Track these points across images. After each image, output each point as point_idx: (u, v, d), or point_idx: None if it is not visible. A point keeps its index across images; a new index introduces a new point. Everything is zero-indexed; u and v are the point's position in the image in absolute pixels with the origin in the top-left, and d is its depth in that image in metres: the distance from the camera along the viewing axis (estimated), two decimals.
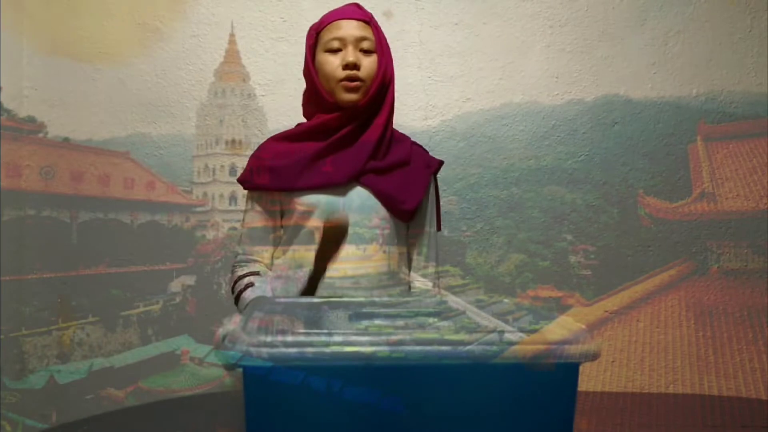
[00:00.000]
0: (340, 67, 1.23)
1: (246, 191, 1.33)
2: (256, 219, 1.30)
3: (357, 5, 1.31)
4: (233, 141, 2.14)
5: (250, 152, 1.34)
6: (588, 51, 2.14)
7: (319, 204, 1.23)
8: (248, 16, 2.12)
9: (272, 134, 1.33)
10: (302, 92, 1.34)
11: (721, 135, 2.14)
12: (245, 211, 1.32)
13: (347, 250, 1.23)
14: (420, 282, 1.36)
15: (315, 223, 1.23)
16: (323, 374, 0.72)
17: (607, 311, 2.12)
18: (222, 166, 2.15)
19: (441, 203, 1.45)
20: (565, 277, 2.15)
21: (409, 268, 1.37)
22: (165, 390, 2.11)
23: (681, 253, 2.13)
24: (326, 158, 1.23)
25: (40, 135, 2.08)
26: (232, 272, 1.31)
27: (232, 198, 2.15)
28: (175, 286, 2.13)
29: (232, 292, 1.28)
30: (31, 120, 2.07)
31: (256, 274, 1.27)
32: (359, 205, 1.25)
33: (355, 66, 1.22)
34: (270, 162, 1.25)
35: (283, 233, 1.29)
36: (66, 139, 2.10)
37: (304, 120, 1.35)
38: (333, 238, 1.17)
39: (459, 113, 2.14)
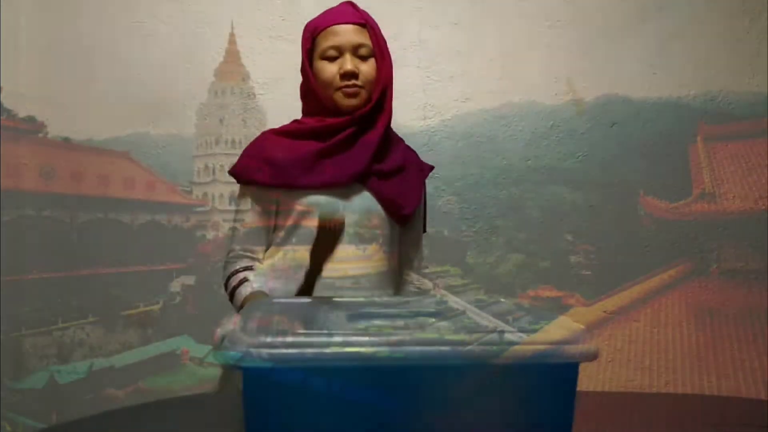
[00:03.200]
0: (338, 76, 1.22)
1: (239, 186, 1.30)
2: (252, 215, 1.28)
3: (352, 5, 1.29)
4: (233, 141, 2.14)
5: None
6: (587, 51, 2.14)
7: (320, 204, 1.23)
8: (247, 15, 2.12)
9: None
10: (299, 87, 1.33)
11: (721, 135, 2.14)
12: (239, 206, 1.30)
13: (347, 250, 1.23)
14: (420, 281, 1.37)
15: (314, 222, 1.22)
16: (323, 375, 0.71)
17: (605, 311, 2.12)
18: (222, 166, 2.15)
19: (440, 203, 1.45)
20: (565, 277, 2.15)
21: (408, 268, 1.37)
22: (165, 390, 2.11)
23: (681, 253, 2.13)
24: (328, 159, 1.23)
25: (40, 135, 2.08)
26: (225, 268, 1.29)
27: (232, 198, 2.15)
28: (175, 286, 2.13)
29: (225, 288, 1.27)
30: (31, 120, 2.07)
31: (250, 269, 1.26)
32: (359, 205, 1.24)
33: (353, 74, 1.22)
34: (270, 157, 1.23)
35: (277, 232, 1.28)
36: (66, 139, 2.10)
37: (300, 115, 1.34)
38: (329, 237, 1.16)
39: (458, 113, 2.14)
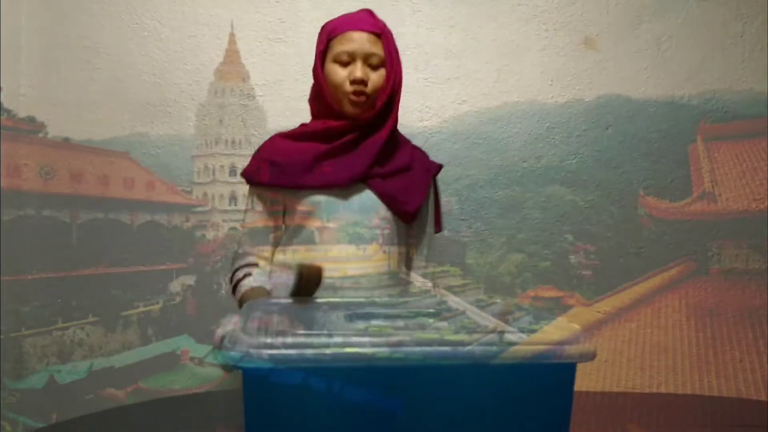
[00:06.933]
0: (348, 81, 1.23)
1: (248, 187, 1.33)
2: (258, 216, 1.31)
3: (370, 14, 1.29)
4: (233, 141, 2.14)
5: (249, 151, 1.35)
6: (582, 54, 2.15)
7: (320, 204, 1.24)
8: (246, 17, 2.12)
9: (271, 135, 1.34)
10: (310, 88, 1.34)
11: (721, 135, 2.14)
12: (246, 208, 1.33)
13: (347, 250, 1.24)
14: (420, 281, 1.37)
15: (315, 223, 1.23)
16: (323, 375, 0.72)
17: (598, 311, 2.12)
18: (222, 166, 2.15)
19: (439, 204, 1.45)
20: (566, 277, 2.15)
21: (409, 267, 1.38)
22: (165, 390, 2.11)
23: (681, 253, 2.13)
24: (328, 160, 1.24)
25: (40, 135, 2.08)
26: (232, 264, 1.32)
27: (232, 198, 2.15)
28: (175, 286, 2.14)
29: (230, 282, 1.29)
30: (31, 120, 2.07)
31: (255, 265, 1.29)
32: (360, 205, 1.25)
33: (362, 82, 1.23)
34: (274, 159, 1.25)
35: (284, 232, 1.30)
36: (66, 139, 2.10)
37: (308, 117, 1.35)
38: (306, 284, 1.07)
39: (455, 115, 2.15)
